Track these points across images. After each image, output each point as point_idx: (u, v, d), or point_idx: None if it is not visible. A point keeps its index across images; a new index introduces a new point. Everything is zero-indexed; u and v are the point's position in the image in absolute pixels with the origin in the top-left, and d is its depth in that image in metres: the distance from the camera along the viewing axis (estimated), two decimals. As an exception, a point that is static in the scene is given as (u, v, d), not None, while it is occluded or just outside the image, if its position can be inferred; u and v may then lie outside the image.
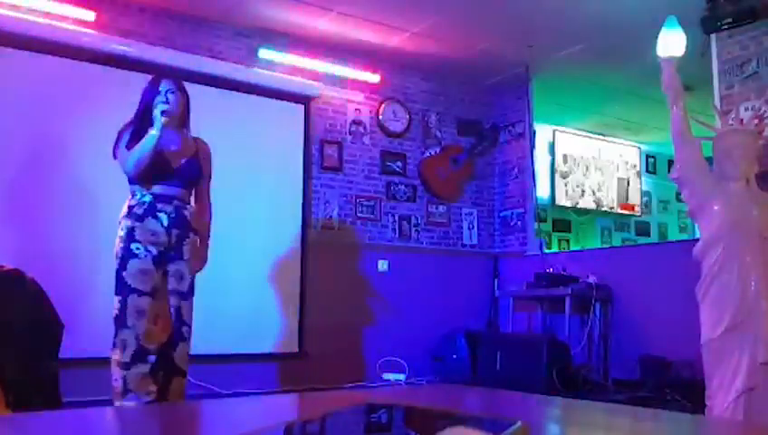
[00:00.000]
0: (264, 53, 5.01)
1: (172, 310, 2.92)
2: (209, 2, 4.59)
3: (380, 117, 5.56)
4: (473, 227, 6.00)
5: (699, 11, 3.97)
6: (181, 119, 3.02)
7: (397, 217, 5.57)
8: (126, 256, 2.83)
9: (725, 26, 3.91)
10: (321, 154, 5.24)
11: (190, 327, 2.97)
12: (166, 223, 2.89)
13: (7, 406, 2.16)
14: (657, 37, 3.19)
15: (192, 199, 3.07)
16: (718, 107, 3.81)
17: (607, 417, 0.78)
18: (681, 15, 3.25)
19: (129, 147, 2.87)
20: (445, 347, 5.22)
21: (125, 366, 2.76)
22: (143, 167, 2.84)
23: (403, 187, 5.63)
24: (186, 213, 2.96)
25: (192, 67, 4.59)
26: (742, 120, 3.38)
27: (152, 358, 2.82)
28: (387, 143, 5.59)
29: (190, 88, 3.16)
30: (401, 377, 5.08)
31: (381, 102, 5.58)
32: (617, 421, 0.74)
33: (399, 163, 5.63)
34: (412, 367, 5.19)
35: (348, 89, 5.43)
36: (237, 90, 4.86)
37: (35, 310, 2.56)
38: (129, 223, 2.86)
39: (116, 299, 2.81)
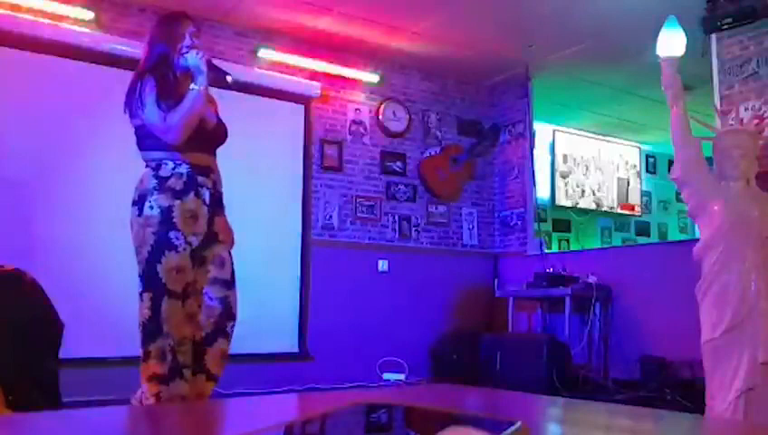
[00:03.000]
0: (264, 53, 5.01)
1: (216, 302, 2.41)
2: (209, 2, 4.59)
3: (380, 117, 5.56)
4: (473, 227, 5.99)
5: (699, 11, 3.98)
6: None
7: (397, 217, 5.56)
8: (161, 245, 2.27)
9: (725, 26, 3.91)
10: (321, 154, 5.24)
11: (235, 323, 2.49)
12: (208, 201, 2.38)
13: (7, 406, 2.16)
14: (657, 37, 3.19)
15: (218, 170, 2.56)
16: (718, 107, 3.81)
17: (607, 417, 0.78)
18: (681, 15, 3.25)
19: (159, 105, 2.32)
20: (445, 347, 5.22)
21: (164, 380, 2.27)
22: (191, 130, 2.32)
23: (403, 187, 5.63)
24: (219, 187, 2.48)
25: (192, 67, 4.58)
26: (742, 120, 3.38)
27: (188, 372, 2.32)
28: (387, 143, 5.59)
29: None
30: (401, 377, 5.08)
31: (381, 102, 5.58)
32: (617, 421, 0.74)
33: (399, 163, 5.63)
34: (412, 367, 5.19)
35: (348, 89, 5.43)
36: (237, 90, 4.85)
37: (35, 310, 2.56)
38: (163, 200, 2.29)
39: (146, 297, 2.29)
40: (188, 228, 2.32)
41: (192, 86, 2.37)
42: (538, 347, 4.35)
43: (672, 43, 3.15)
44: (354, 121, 5.45)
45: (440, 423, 0.45)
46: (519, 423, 0.48)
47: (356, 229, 5.35)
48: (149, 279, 2.29)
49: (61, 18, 4.27)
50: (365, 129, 5.49)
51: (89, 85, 4.34)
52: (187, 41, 2.44)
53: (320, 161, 5.23)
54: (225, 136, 2.53)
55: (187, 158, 2.35)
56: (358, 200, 5.38)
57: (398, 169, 5.62)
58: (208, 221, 2.40)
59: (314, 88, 5.18)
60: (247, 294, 4.71)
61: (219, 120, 2.54)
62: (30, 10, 4.18)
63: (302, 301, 5.00)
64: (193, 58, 2.39)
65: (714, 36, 4.05)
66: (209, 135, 2.45)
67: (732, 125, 3.22)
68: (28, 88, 4.17)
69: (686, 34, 3.18)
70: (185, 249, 2.31)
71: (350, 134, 5.42)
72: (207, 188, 2.38)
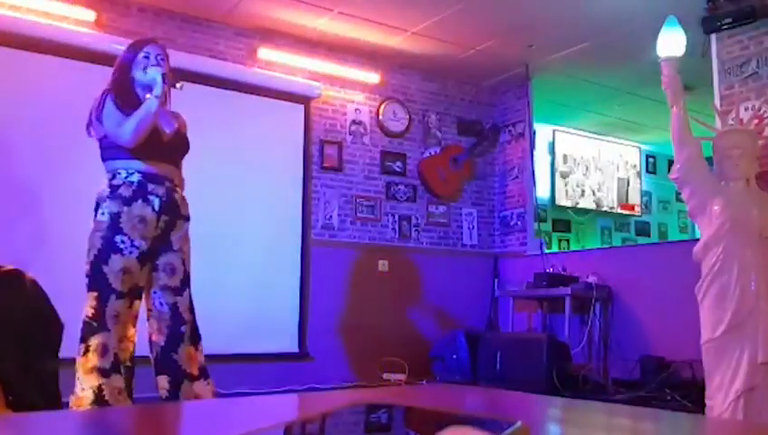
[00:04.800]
0: (264, 53, 5.01)
1: (166, 308, 2.58)
2: (210, 2, 4.59)
3: (380, 117, 5.56)
4: (473, 227, 6.00)
5: (699, 11, 3.98)
6: (164, 94, 2.67)
7: (397, 217, 5.56)
8: (108, 248, 2.45)
9: (725, 26, 3.92)
10: (321, 154, 5.24)
11: (191, 324, 2.62)
12: (157, 207, 2.52)
13: (7, 406, 2.16)
14: (657, 37, 3.19)
15: (179, 181, 2.71)
16: (718, 107, 3.82)
17: (607, 417, 0.78)
18: (681, 15, 3.26)
19: (120, 111, 2.52)
20: (445, 347, 5.21)
21: (105, 373, 2.41)
22: (144, 135, 2.48)
23: (403, 187, 5.63)
24: (176, 196, 2.62)
25: (192, 67, 4.59)
26: (742, 120, 3.38)
27: (123, 369, 2.50)
28: (387, 143, 5.59)
29: (190, 88, 3.14)
30: (401, 377, 5.08)
31: (381, 102, 5.58)
32: (617, 421, 0.74)
33: (399, 163, 5.63)
34: (412, 367, 5.19)
35: (348, 89, 5.43)
36: (237, 90, 4.86)
37: (35, 310, 2.56)
38: (112, 207, 2.47)
39: (91, 296, 2.46)
40: (135, 233, 2.49)
41: (148, 96, 2.54)
42: (538, 347, 4.35)
43: (672, 43, 3.15)
44: (354, 121, 5.45)
45: (440, 423, 0.45)
46: (519, 423, 0.48)
47: (356, 229, 5.35)
48: (95, 279, 2.46)
49: (61, 18, 4.27)
50: (365, 129, 5.49)
51: (89, 85, 4.33)
52: (152, 60, 2.63)
53: (320, 161, 5.23)
54: (185, 147, 2.70)
55: (141, 167, 2.53)
56: (358, 200, 5.38)
57: (398, 169, 5.62)
58: (164, 229, 2.56)
59: (314, 88, 5.18)
60: (247, 294, 4.76)
61: (179, 132, 2.69)
62: (30, 10, 4.18)
63: (302, 301, 5.00)
64: (151, 72, 2.57)
65: (714, 36, 4.05)
66: (165, 145, 2.60)
67: (732, 125, 3.22)
68: (28, 88, 4.17)
69: (686, 35, 3.19)
70: (131, 252, 2.48)
71: (350, 134, 5.42)
72: (158, 196, 2.53)
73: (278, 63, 5.06)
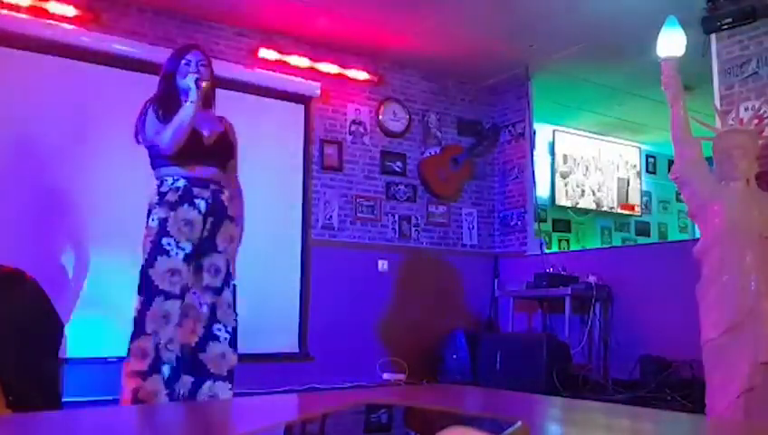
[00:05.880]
0: (264, 53, 5.01)
1: (205, 308, 2.61)
2: (209, 2, 4.59)
3: (380, 117, 5.56)
4: (473, 227, 5.99)
5: (699, 11, 3.98)
6: (208, 98, 2.78)
7: (397, 217, 5.56)
8: (154, 251, 2.53)
9: (725, 26, 3.92)
10: (321, 154, 5.24)
11: (227, 325, 2.66)
12: (203, 210, 2.60)
13: (7, 406, 2.16)
14: (657, 37, 3.19)
15: (227, 183, 2.80)
16: (718, 107, 3.81)
17: (607, 417, 0.78)
18: (681, 15, 3.26)
19: (159, 120, 2.60)
20: (445, 347, 5.22)
21: (143, 376, 2.44)
22: (181, 140, 2.55)
23: (403, 187, 5.63)
24: (223, 198, 2.70)
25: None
26: (742, 120, 3.37)
27: (167, 367, 2.49)
28: (387, 143, 5.59)
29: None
30: (401, 377, 5.08)
31: (381, 102, 5.58)
32: (617, 421, 0.75)
33: (399, 163, 5.63)
34: (412, 367, 5.19)
35: (348, 89, 5.43)
36: (237, 90, 4.86)
37: (35, 310, 2.56)
38: (161, 213, 2.55)
39: (138, 300, 2.51)
40: (182, 236, 2.55)
41: (185, 102, 2.60)
42: (538, 347, 4.34)
43: (672, 43, 3.15)
44: (354, 121, 5.45)
45: (440, 423, 0.45)
46: (519, 423, 0.48)
47: (356, 229, 5.35)
48: (142, 283, 2.52)
49: (61, 18, 4.27)
50: (365, 129, 5.49)
51: (89, 85, 4.34)
52: (192, 67, 2.69)
53: (320, 161, 5.23)
54: (227, 150, 2.78)
55: (185, 172, 2.60)
56: (358, 200, 5.38)
57: (398, 169, 5.62)
58: (210, 230, 2.63)
59: (314, 88, 5.18)
60: (247, 294, 4.72)
61: (222, 135, 2.76)
62: (30, 10, 4.18)
63: (303, 301, 4.99)
64: (189, 78, 2.64)
65: (714, 36, 4.05)
66: (207, 149, 2.67)
67: (732, 125, 3.22)
68: (28, 88, 4.17)
69: (686, 35, 3.19)
70: (177, 254, 2.54)
71: (350, 134, 5.42)
72: (204, 199, 2.61)
73: (278, 63, 5.06)
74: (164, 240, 2.53)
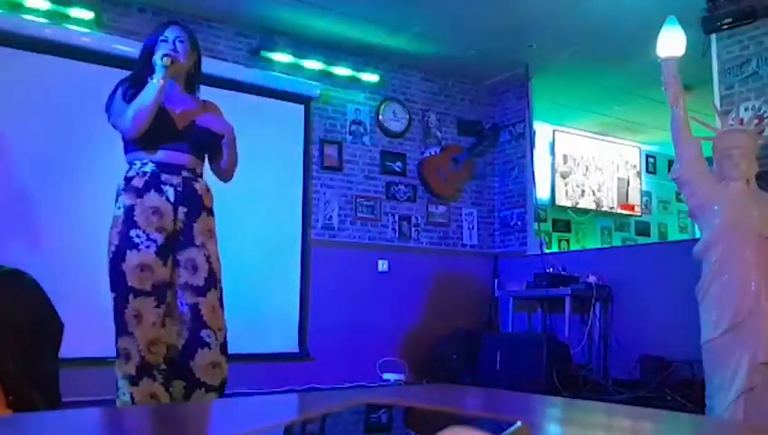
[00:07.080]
0: (264, 53, 5.00)
1: (186, 309, 2.35)
2: (209, 2, 4.59)
3: (380, 117, 5.56)
4: (473, 227, 5.99)
5: (699, 11, 3.98)
6: (190, 79, 2.54)
7: (397, 217, 5.56)
8: (123, 245, 2.29)
9: (725, 26, 3.92)
10: (321, 154, 5.24)
11: (215, 330, 2.36)
12: (172, 198, 2.34)
13: (7, 406, 2.16)
14: (657, 37, 3.19)
15: (202, 172, 2.51)
16: (718, 107, 3.81)
17: (607, 417, 0.78)
18: (681, 15, 3.26)
19: (126, 101, 2.37)
20: (445, 347, 5.21)
21: (132, 380, 2.27)
22: (143, 122, 2.30)
23: (403, 187, 5.63)
24: (196, 186, 2.42)
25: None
26: (742, 120, 3.37)
27: (156, 371, 2.30)
28: (387, 143, 5.59)
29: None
30: (401, 377, 5.08)
31: (381, 102, 5.58)
32: (617, 421, 0.75)
33: (399, 163, 5.63)
34: (412, 367, 5.19)
35: (348, 89, 5.43)
36: (237, 90, 4.86)
37: (35, 310, 2.56)
38: (126, 200, 2.32)
39: (112, 297, 2.33)
40: (150, 226, 2.31)
41: (150, 80, 2.35)
42: (538, 347, 4.34)
43: (672, 43, 3.15)
44: (354, 121, 5.45)
45: (440, 423, 0.45)
46: (519, 423, 0.48)
47: (356, 229, 5.35)
48: (114, 279, 2.31)
49: (61, 18, 4.27)
50: (365, 129, 5.49)
51: (89, 85, 4.33)
52: (169, 44, 2.45)
53: (320, 161, 5.23)
54: (204, 136, 2.47)
55: (155, 156, 2.36)
56: (358, 200, 5.38)
57: (398, 169, 5.62)
58: (184, 221, 2.37)
59: (314, 88, 5.18)
60: (247, 293, 4.75)
61: (199, 122, 2.47)
62: (30, 9, 4.18)
63: (303, 301, 5.00)
64: (156, 54, 2.38)
65: (714, 36, 4.05)
66: (180, 132, 2.40)
67: (732, 125, 3.22)
68: (28, 88, 4.17)
69: (686, 35, 3.19)
70: (147, 247, 2.30)
71: (350, 134, 5.42)
72: (173, 186, 2.35)
73: (278, 63, 5.06)
74: (132, 232, 2.29)
